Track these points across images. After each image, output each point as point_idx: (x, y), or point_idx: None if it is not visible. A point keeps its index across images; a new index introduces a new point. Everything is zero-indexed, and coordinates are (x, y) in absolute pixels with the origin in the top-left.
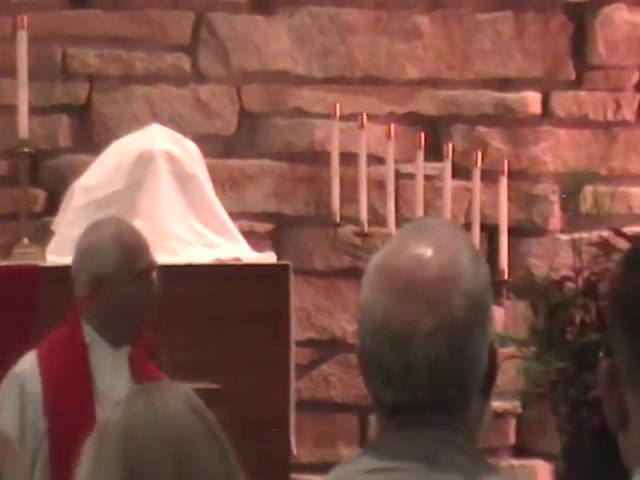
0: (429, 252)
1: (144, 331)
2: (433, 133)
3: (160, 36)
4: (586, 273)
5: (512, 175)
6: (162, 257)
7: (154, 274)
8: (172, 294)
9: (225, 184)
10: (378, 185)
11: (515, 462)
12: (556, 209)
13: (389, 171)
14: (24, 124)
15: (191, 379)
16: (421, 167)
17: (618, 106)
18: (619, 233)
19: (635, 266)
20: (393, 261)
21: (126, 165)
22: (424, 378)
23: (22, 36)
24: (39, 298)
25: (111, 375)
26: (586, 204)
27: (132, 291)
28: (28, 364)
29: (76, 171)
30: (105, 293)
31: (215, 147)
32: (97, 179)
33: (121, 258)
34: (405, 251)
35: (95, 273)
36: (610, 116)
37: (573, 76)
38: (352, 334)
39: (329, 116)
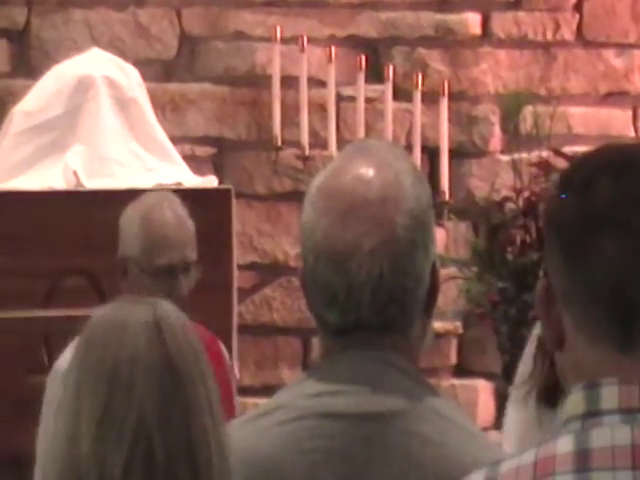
0: (371, 172)
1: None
2: (374, 55)
3: None
4: (526, 193)
5: (452, 96)
6: (102, 182)
7: (180, 273)
8: (112, 218)
9: (166, 108)
10: (319, 108)
11: (456, 382)
12: (496, 130)
13: (330, 94)
14: None
15: None
16: (362, 89)
17: (557, 26)
18: (559, 153)
19: (570, 187)
20: (335, 182)
21: (66, 90)
22: (367, 297)
23: None
24: None
25: None
26: (526, 124)
27: (151, 286)
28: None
29: (15, 96)
30: (129, 279)
31: (155, 71)
32: (37, 104)
33: (143, 248)
34: (347, 172)
35: (122, 254)
36: (549, 36)
37: None
38: (294, 257)
39: (269, 39)
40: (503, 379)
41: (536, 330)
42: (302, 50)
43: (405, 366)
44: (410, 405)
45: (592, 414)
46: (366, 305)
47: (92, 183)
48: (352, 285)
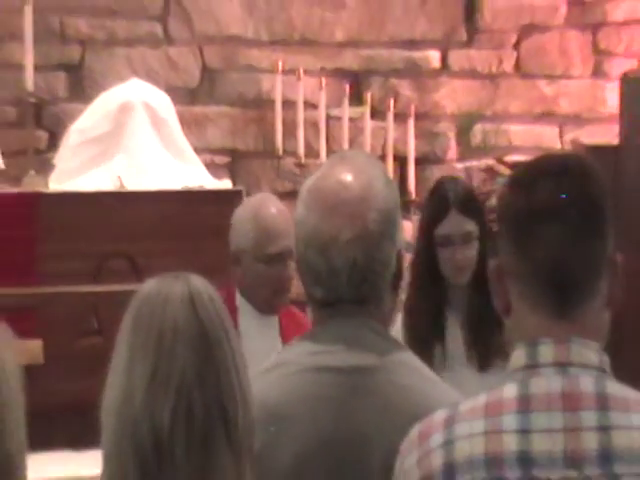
0: (349, 178)
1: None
2: (356, 84)
3: (137, 8)
4: (476, 193)
5: (418, 117)
6: (140, 184)
7: (288, 259)
8: (150, 213)
9: (191, 125)
10: (312, 125)
11: None
12: (452, 143)
13: (321, 114)
14: (30, 79)
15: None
16: (346, 111)
17: (500, 61)
18: (501, 161)
19: (518, 186)
20: (321, 185)
21: (111, 112)
22: (344, 278)
23: (28, 9)
24: (41, 218)
25: (259, 337)
26: (476, 139)
27: (264, 271)
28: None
29: (72, 116)
30: (243, 268)
31: (182, 96)
32: (88, 123)
33: (256, 240)
34: (331, 177)
35: (235, 247)
36: (494, 69)
37: (465, 37)
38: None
39: (273, 71)
40: None
41: None
42: (299, 79)
43: (380, 330)
44: (386, 360)
45: (531, 366)
46: (343, 284)
47: (132, 185)
48: (333, 268)
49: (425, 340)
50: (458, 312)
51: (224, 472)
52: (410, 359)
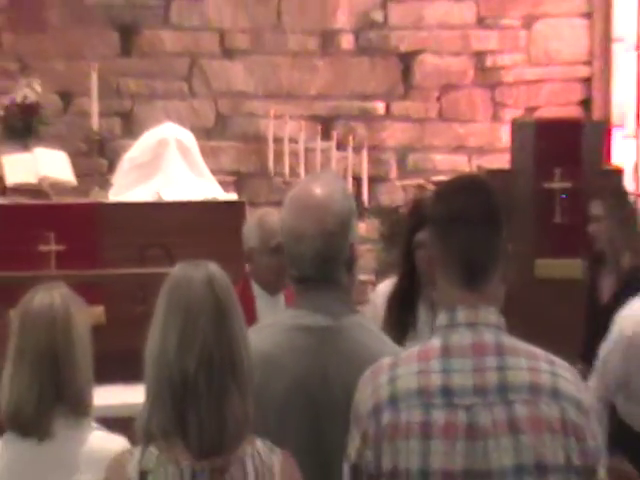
0: (317, 191)
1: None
2: (325, 125)
3: (170, 71)
4: (411, 203)
5: (369, 149)
6: (173, 196)
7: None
8: (179, 216)
9: (208, 155)
10: (295, 155)
11: None
12: (394, 167)
13: (301, 147)
14: (95, 123)
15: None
16: (319, 145)
17: (427, 110)
18: (428, 181)
19: (441, 198)
20: (297, 195)
21: (152, 145)
22: (309, 262)
23: (94, 73)
24: (103, 220)
25: (271, 312)
26: (410, 164)
27: (268, 261)
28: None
29: (124, 149)
30: (254, 262)
31: (202, 134)
32: (136, 154)
33: (261, 238)
34: (304, 190)
35: (247, 247)
36: (423, 115)
37: (403, 92)
38: None
39: (267, 117)
40: None
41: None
42: (285, 122)
43: (343, 299)
44: (346, 322)
45: (450, 326)
46: (310, 267)
47: (166, 197)
48: (302, 255)
49: (402, 323)
50: (428, 302)
51: (233, 403)
52: (365, 322)
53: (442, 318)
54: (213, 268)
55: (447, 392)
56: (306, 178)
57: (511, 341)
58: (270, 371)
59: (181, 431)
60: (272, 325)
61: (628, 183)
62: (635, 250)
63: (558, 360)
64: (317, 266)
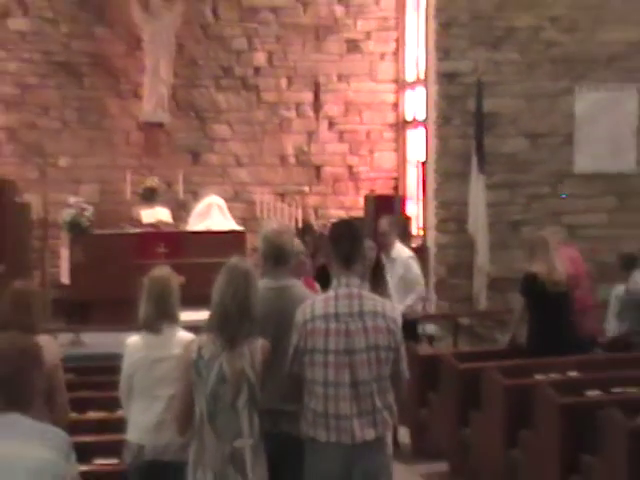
0: (280, 228)
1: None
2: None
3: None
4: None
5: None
6: (214, 227)
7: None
8: (219, 238)
9: (229, 209)
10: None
11: None
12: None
13: (273, 208)
14: (181, 192)
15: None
16: (279, 209)
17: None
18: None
19: (333, 227)
20: (264, 233)
21: (204, 206)
22: (276, 257)
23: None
24: (185, 238)
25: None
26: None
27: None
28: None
29: (187, 211)
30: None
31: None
32: (198, 209)
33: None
34: (271, 228)
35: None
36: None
37: None
38: None
39: (259, 201)
40: None
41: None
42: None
43: (289, 274)
44: (292, 283)
45: (338, 285)
46: (277, 259)
47: (213, 227)
48: (274, 256)
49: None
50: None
51: (245, 328)
52: (299, 284)
53: (334, 282)
54: (242, 262)
55: (336, 314)
56: (268, 223)
57: (365, 292)
58: (261, 311)
59: (218, 330)
60: (263, 287)
61: (413, 224)
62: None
63: (385, 300)
64: (276, 260)
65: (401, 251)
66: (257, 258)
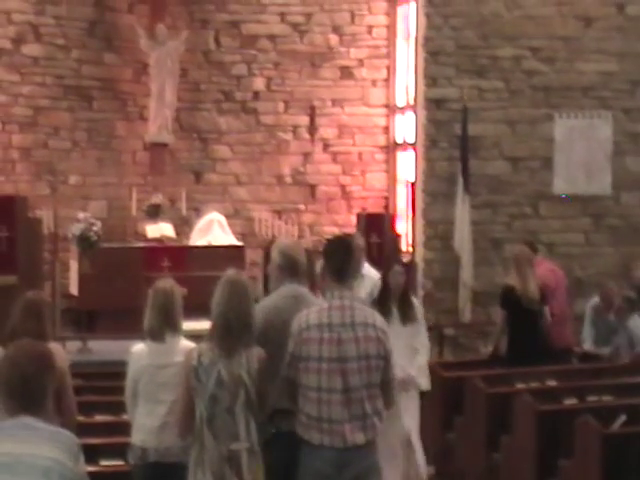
0: (289, 244)
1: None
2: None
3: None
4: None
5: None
6: (215, 242)
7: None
8: (219, 252)
9: (229, 225)
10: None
11: None
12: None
13: (271, 225)
14: (184, 209)
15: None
16: (276, 226)
17: None
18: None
19: (329, 243)
20: (280, 248)
21: (205, 222)
22: (288, 271)
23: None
24: (188, 252)
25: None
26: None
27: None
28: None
29: (190, 227)
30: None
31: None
32: (198, 225)
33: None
34: (284, 245)
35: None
36: None
37: None
38: None
39: (257, 218)
40: None
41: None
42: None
43: (302, 285)
44: (306, 291)
45: (332, 298)
46: (292, 271)
47: (214, 242)
48: (290, 265)
49: (381, 311)
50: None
51: (245, 339)
52: (307, 294)
53: (328, 295)
54: (238, 275)
55: (329, 324)
56: (279, 239)
57: (357, 304)
58: (273, 314)
59: (219, 339)
60: (276, 295)
61: (403, 241)
62: None
63: (375, 312)
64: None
65: (370, 270)
66: (271, 269)
